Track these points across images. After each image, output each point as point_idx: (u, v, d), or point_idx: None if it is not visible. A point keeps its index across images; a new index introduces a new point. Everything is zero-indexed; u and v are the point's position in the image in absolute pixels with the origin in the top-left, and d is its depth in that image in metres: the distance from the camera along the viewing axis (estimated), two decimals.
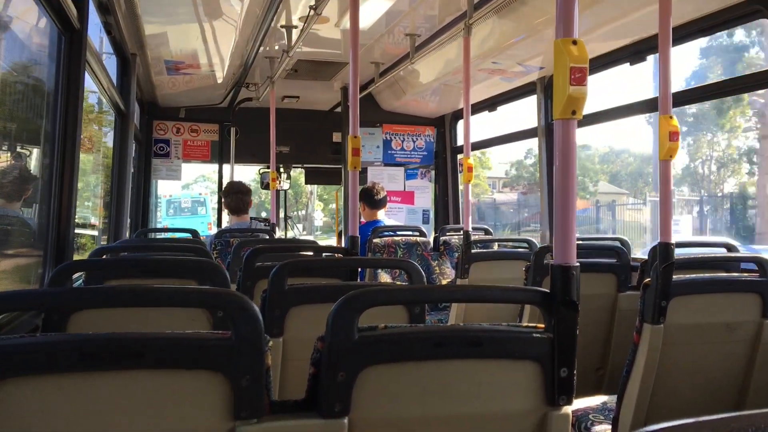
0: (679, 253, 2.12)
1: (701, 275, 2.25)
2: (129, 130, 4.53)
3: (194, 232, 4.53)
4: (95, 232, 5.03)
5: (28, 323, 2.12)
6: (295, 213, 34.17)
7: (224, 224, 6.37)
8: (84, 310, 1.83)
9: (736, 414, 0.60)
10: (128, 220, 4.70)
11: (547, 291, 1.34)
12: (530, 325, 1.31)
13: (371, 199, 5.01)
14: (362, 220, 5.04)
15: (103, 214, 4.93)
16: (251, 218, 4.99)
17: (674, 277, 2.03)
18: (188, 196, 21.14)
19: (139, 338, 1.09)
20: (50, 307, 1.63)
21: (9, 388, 1.03)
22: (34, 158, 2.71)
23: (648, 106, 3.82)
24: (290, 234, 10.01)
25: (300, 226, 29.34)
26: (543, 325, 1.31)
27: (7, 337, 1.06)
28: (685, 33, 3.36)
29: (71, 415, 1.07)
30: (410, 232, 5.13)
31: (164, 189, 19.62)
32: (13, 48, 2.50)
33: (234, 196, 4.88)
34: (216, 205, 7.16)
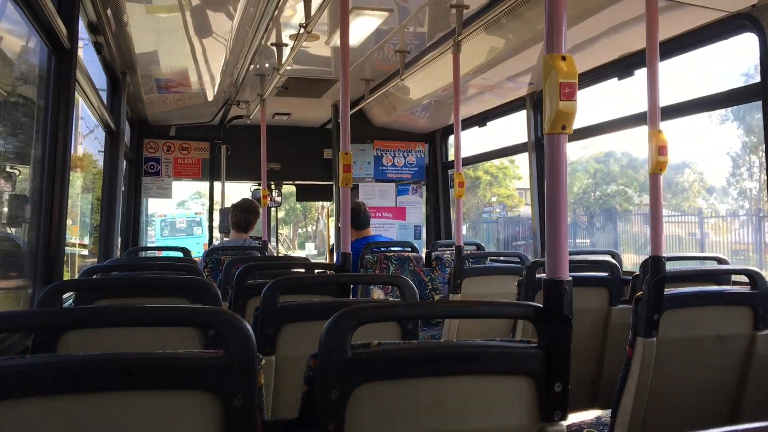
0: (669, 267, 2.13)
1: (693, 288, 2.26)
2: (119, 148, 4.52)
3: (185, 251, 4.51)
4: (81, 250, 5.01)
5: (18, 344, 2.10)
6: (303, 230, 33.18)
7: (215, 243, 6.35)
8: (74, 331, 1.82)
9: (732, 428, 0.60)
10: (119, 239, 4.68)
11: (540, 306, 1.33)
12: (524, 340, 1.31)
13: (356, 218, 4.97)
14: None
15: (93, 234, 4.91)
16: (248, 237, 4.98)
17: (666, 290, 2.04)
18: (183, 215, 20.65)
19: (130, 358, 1.08)
20: (40, 328, 1.62)
21: None
22: (23, 177, 2.70)
23: (638, 120, 3.85)
24: (282, 252, 9.98)
25: (311, 244, 28.60)
26: (536, 340, 1.31)
27: None
28: (672, 48, 3.39)
29: None
30: (402, 248, 5.13)
31: (158, 207, 19.24)
32: (2, 67, 2.49)
33: (240, 213, 4.88)
34: (208, 223, 7.14)
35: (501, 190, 27.28)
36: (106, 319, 1.22)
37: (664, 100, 2.36)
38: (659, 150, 2.15)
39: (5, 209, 2.58)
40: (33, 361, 1.06)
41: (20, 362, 1.05)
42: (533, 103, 4.87)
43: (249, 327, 1.13)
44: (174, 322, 1.25)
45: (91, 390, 1.06)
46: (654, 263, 2.07)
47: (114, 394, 1.07)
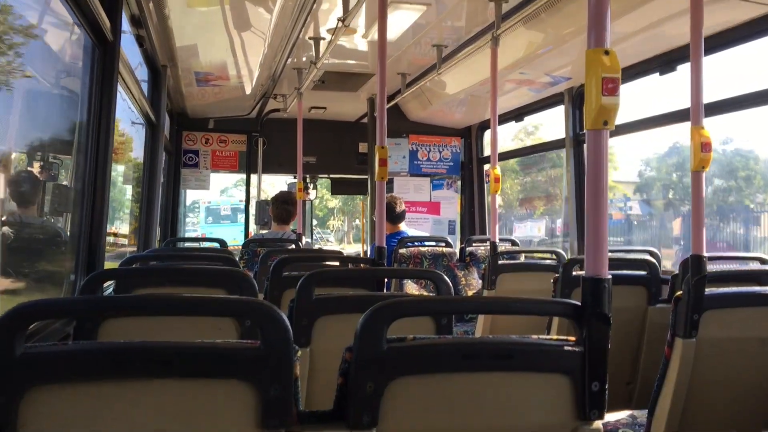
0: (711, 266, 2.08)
1: (734, 289, 2.21)
2: (159, 140, 4.59)
3: (222, 242, 4.57)
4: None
5: (60, 331, 2.15)
6: (362, 221, 31.96)
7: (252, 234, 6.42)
8: (114, 319, 1.86)
9: None
10: (158, 230, 4.76)
11: (578, 303, 1.32)
12: (561, 338, 1.30)
13: (392, 213, 5.01)
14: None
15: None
16: (289, 230, 5.02)
17: (706, 290, 1.99)
18: (227, 203, 20.72)
19: (169, 347, 1.10)
20: (81, 315, 1.65)
21: (39, 396, 1.05)
22: (67, 168, 2.76)
23: (680, 116, 3.77)
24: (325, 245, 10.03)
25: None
26: (574, 338, 1.29)
27: (39, 345, 1.07)
28: (717, 43, 3.31)
29: (100, 423, 1.08)
30: (436, 243, 5.11)
31: (203, 194, 19.39)
32: (47, 60, 2.55)
33: (280, 206, 4.93)
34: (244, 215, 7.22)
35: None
36: (147, 307, 1.24)
37: (707, 96, 2.30)
38: (702, 147, 2.11)
39: (48, 199, 2.64)
40: (74, 347, 1.09)
41: (62, 348, 1.08)
42: (572, 98, 4.81)
43: (286, 318, 1.14)
44: (214, 312, 1.26)
45: (130, 377, 1.08)
46: (695, 262, 2.03)
47: (153, 381, 1.09)
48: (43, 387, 1.05)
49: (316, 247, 9.59)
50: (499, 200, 3.87)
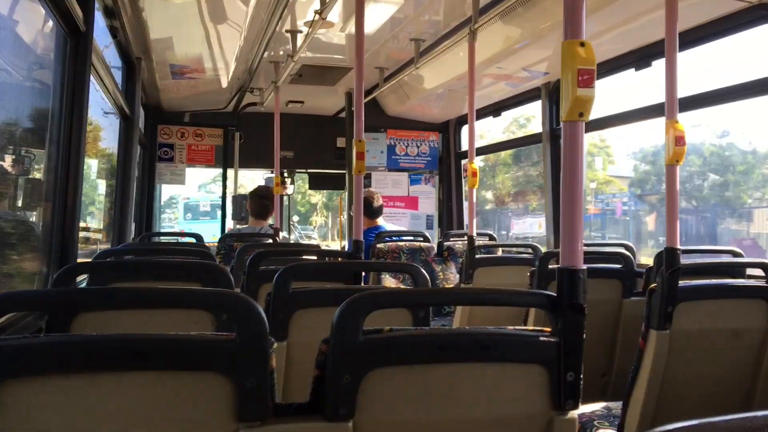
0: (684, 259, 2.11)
1: (707, 281, 2.24)
2: (134, 134, 4.53)
3: (199, 237, 4.53)
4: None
5: (32, 325, 2.12)
6: (330, 218, 30.63)
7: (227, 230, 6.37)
8: (88, 312, 1.83)
9: (751, 414, 0.59)
10: (132, 224, 4.71)
11: (554, 294, 1.33)
12: (536, 328, 1.30)
13: (369, 208, 5.00)
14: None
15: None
16: (267, 225, 4.98)
17: (680, 282, 2.02)
18: (207, 199, 20.32)
19: (143, 339, 1.08)
20: (54, 308, 1.63)
21: (11, 389, 1.03)
22: (39, 161, 2.71)
23: (655, 110, 3.81)
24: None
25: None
26: (549, 329, 1.30)
27: (10, 338, 1.05)
28: (691, 38, 3.35)
29: (73, 416, 1.06)
30: (414, 238, 5.12)
31: (181, 190, 19.01)
32: (18, 50, 2.50)
33: (258, 200, 4.89)
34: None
35: (595, 175, 22.13)
36: (120, 299, 1.23)
37: (682, 91, 2.34)
38: (676, 140, 2.13)
39: (20, 192, 2.59)
40: (47, 340, 1.07)
41: (34, 341, 1.06)
42: (548, 93, 4.84)
43: (262, 311, 1.13)
44: (188, 305, 1.25)
45: (104, 370, 1.07)
46: (669, 255, 2.05)
47: (128, 374, 1.08)
48: (16, 380, 1.03)
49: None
50: (489, 195, 3.89)
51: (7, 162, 2.41)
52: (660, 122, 2.22)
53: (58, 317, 1.81)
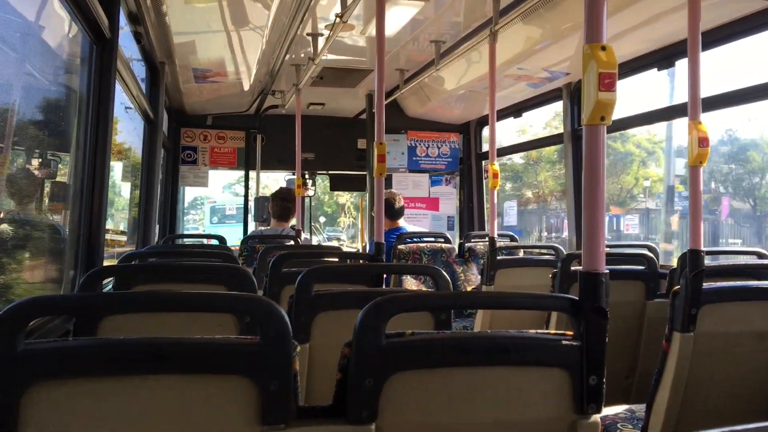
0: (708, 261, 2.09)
1: (732, 283, 2.22)
2: (158, 137, 4.59)
3: (221, 239, 4.57)
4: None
5: (59, 327, 2.15)
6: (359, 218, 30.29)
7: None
8: (114, 316, 1.86)
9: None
10: (156, 227, 4.76)
11: (576, 298, 1.32)
12: (558, 332, 1.30)
13: (391, 209, 5.02)
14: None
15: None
16: (288, 227, 5.02)
17: (704, 284, 2.00)
18: (233, 202, 20.15)
19: (169, 343, 1.10)
20: (81, 312, 1.66)
21: (40, 392, 1.05)
22: (65, 165, 2.76)
23: (677, 111, 3.78)
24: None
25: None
26: (571, 333, 1.30)
27: (39, 341, 1.08)
28: (714, 38, 3.32)
29: (100, 419, 1.08)
30: (435, 239, 5.12)
31: (207, 192, 18.75)
32: (46, 57, 2.55)
33: (279, 202, 4.93)
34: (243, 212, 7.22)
35: (648, 173, 20.19)
36: (148, 303, 1.25)
37: (705, 91, 2.31)
38: (700, 141, 2.11)
39: (47, 196, 2.64)
40: (75, 343, 1.10)
41: (63, 344, 1.08)
42: (570, 93, 4.81)
43: (285, 314, 1.14)
44: (214, 309, 1.27)
45: (130, 373, 1.09)
46: (693, 257, 2.04)
47: (153, 377, 1.10)
48: (44, 383, 1.05)
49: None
50: (529, 195, 3.89)
51: (34, 166, 2.45)
52: (708, 118, 2.14)
53: (85, 320, 1.84)
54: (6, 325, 1.04)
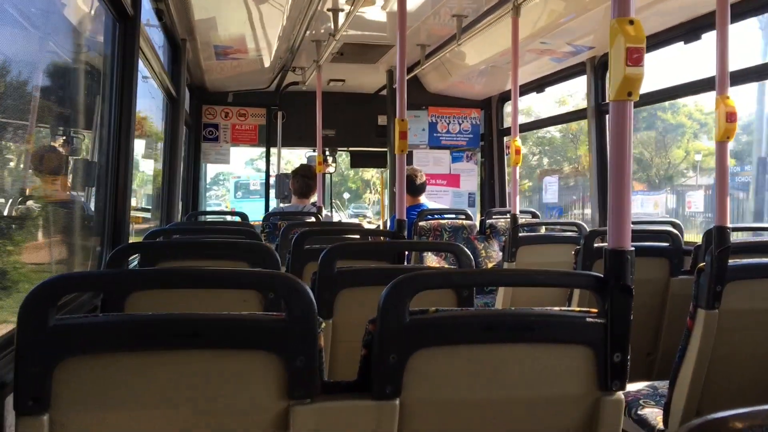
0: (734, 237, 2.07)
1: (759, 260, 2.19)
2: (180, 114, 4.61)
3: (244, 216, 4.60)
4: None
5: (87, 303, 2.19)
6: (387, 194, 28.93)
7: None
8: (141, 292, 1.89)
9: None
10: (180, 203, 4.81)
11: (601, 275, 1.32)
12: (583, 309, 1.30)
13: (412, 185, 5.01)
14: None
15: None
16: (309, 203, 5.04)
17: (730, 261, 1.98)
18: (257, 177, 20.30)
19: (198, 319, 1.12)
20: (109, 288, 1.69)
21: (71, 366, 1.08)
22: (90, 143, 2.79)
23: (706, 85, 3.71)
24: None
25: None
26: (596, 310, 1.30)
27: (70, 317, 1.10)
28: (743, 9, 3.24)
29: (130, 393, 1.11)
30: (456, 216, 5.11)
31: (231, 168, 18.62)
32: (70, 36, 2.56)
33: (300, 179, 4.95)
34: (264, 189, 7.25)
35: (699, 146, 18.30)
36: (176, 280, 1.27)
37: (733, 64, 2.27)
38: (728, 116, 2.08)
39: (72, 174, 2.67)
40: (107, 319, 1.12)
41: (95, 320, 1.11)
42: (594, 68, 4.74)
43: (310, 291, 1.16)
44: (240, 285, 1.28)
45: (160, 348, 1.11)
46: (719, 233, 2.02)
47: (181, 352, 1.12)
48: (75, 358, 1.08)
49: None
50: (567, 169, 3.85)
51: (59, 144, 2.48)
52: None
53: (112, 296, 1.88)
54: (37, 301, 1.06)
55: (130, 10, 2.71)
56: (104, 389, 1.10)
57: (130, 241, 2.97)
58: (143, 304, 1.89)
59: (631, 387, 2.39)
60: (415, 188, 5.05)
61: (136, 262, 2.85)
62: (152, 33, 3.83)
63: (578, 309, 1.30)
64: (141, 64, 3.15)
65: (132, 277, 1.35)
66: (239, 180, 20.14)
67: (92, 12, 2.71)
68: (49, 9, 2.31)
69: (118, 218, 2.70)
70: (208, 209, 10.80)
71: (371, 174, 28.66)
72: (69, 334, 1.08)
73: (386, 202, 7.87)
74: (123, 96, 2.73)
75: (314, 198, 5.05)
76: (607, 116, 4.58)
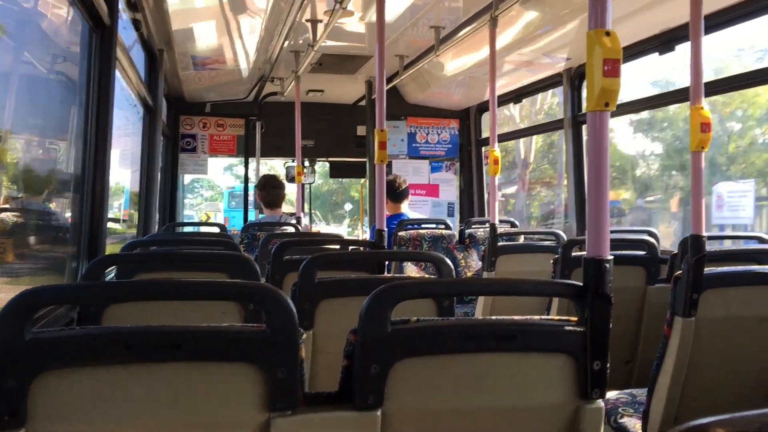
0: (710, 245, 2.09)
1: (734, 267, 2.22)
2: (157, 125, 4.58)
3: (222, 226, 4.58)
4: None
5: (64, 316, 2.16)
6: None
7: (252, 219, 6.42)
8: (119, 304, 1.87)
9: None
10: (157, 215, 4.76)
11: (580, 284, 1.33)
12: (562, 318, 1.31)
13: (394, 192, 5.01)
14: (386, 213, 5.05)
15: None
16: (283, 213, 5.03)
17: (706, 269, 2.01)
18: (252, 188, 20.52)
19: (176, 331, 1.11)
20: (90, 301, 1.67)
21: (49, 380, 1.06)
22: (66, 153, 2.75)
23: (680, 95, 3.77)
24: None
25: None
26: (575, 318, 1.30)
27: (47, 330, 1.08)
28: (717, 22, 3.30)
29: (108, 406, 1.09)
30: (435, 225, 5.12)
31: (226, 180, 18.44)
32: (46, 45, 2.54)
33: (270, 191, 4.92)
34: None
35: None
36: (155, 292, 1.25)
37: (707, 75, 2.30)
38: (702, 127, 2.11)
39: (48, 185, 2.64)
40: (82, 332, 1.10)
41: (72, 333, 1.09)
42: (570, 78, 4.80)
43: (290, 302, 1.15)
44: (220, 297, 1.27)
45: (138, 361, 1.10)
46: (694, 242, 2.04)
47: (160, 365, 1.11)
48: (52, 371, 1.06)
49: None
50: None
51: (35, 155, 2.45)
52: None
53: (89, 309, 1.85)
54: (13, 315, 1.04)
55: (107, 20, 2.69)
56: (82, 403, 1.08)
57: (107, 253, 2.93)
58: (121, 316, 1.86)
59: (610, 395, 2.40)
60: (396, 194, 5.05)
61: (113, 275, 2.82)
62: (129, 43, 3.81)
63: (558, 318, 1.31)
64: (118, 74, 3.12)
65: (110, 290, 1.33)
66: (233, 190, 20.35)
67: (68, 21, 2.69)
68: (24, 18, 2.29)
69: (94, 229, 2.67)
70: (186, 221, 10.73)
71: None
72: (46, 348, 1.06)
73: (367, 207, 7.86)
74: (99, 106, 2.70)
75: (291, 208, 5.04)
76: (583, 126, 4.63)
